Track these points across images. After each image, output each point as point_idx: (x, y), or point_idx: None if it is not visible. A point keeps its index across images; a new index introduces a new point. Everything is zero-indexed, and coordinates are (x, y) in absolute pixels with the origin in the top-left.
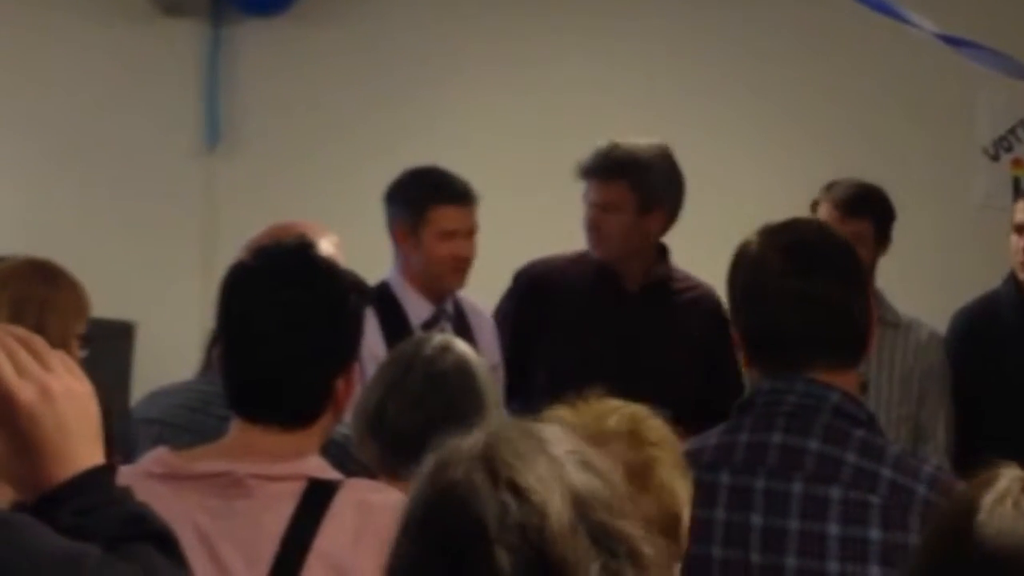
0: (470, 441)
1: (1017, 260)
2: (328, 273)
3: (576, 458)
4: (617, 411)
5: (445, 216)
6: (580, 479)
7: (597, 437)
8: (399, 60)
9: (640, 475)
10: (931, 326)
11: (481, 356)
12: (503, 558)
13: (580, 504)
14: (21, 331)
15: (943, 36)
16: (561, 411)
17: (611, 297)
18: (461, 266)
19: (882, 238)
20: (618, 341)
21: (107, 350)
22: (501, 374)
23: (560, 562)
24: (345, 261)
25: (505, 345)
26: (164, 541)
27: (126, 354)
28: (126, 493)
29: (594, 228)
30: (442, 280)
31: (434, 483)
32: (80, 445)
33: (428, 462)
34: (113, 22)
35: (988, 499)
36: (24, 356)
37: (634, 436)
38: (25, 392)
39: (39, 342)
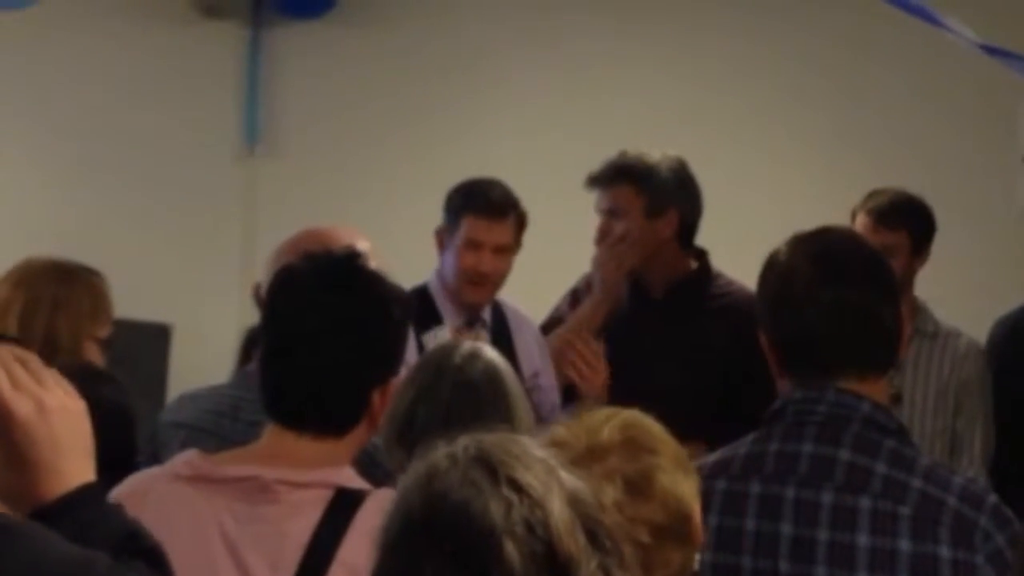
0: (458, 447)
1: None
2: (374, 283)
3: (558, 461)
4: (608, 421)
5: (473, 227)
6: (569, 479)
7: (593, 451)
8: (438, 64)
9: (641, 485)
10: (970, 336)
11: (521, 363)
12: (512, 552)
13: (574, 501)
14: (17, 350)
15: (983, 45)
16: (555, 430)
17: (636, 304)
18: (480, 280)
19: (919, 250)
20: (640, 347)
21: (144, 352)
22: (546, 380)
23: (567, 557)
24: (378, 265)
25: None
26: (155, 558)
27: (163, 356)
28: (118, 510)
29: (604, 235)
30: (460, 291)
31: (430, 488)
32: (73, 461)
33: (413, 472)
34: (153, 24)
35: None
36: (20, 371)
37: (629, 445)
38: (21, 406)
39: (34, 360)
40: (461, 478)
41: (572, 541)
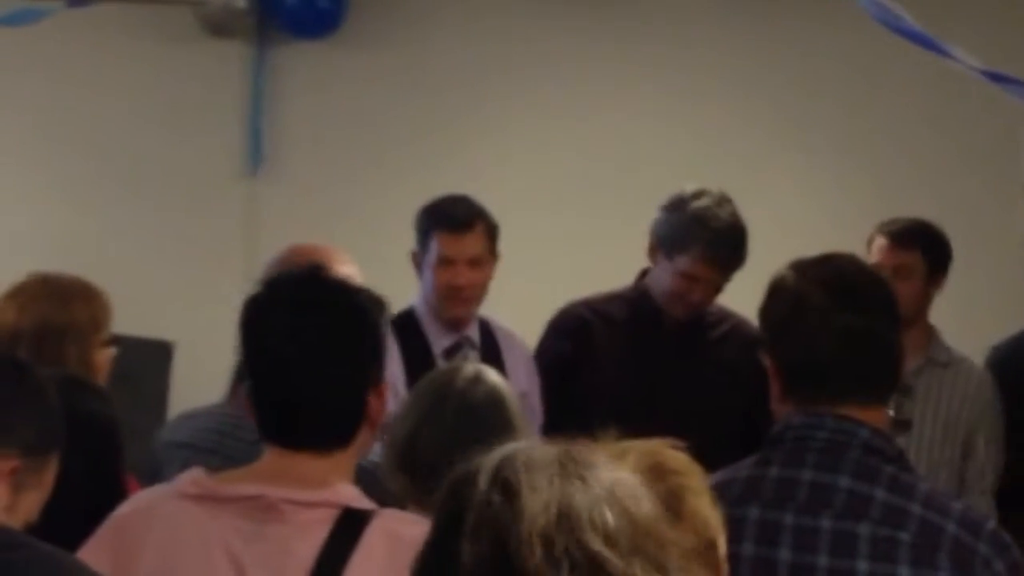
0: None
1: None
2: (343, 293)
3: (603, 489)
4: (634, 449)
5: (443, 244)
6: (584, 500)
7: None
8: (442, 84)
9: (671, 506)
10: (981, 367)
11: (509, 383)
12: (467, 551)
13: (565, 519)
14: None
15: (986, 72)
16: None
17: (651, 335)
18: (459, 294)
19: (933, 274)
20: (659, 378)
21: (145, 370)
22: (533, 402)
23: (520, 566)
24: (366, 284)
25: (546, 385)
26: None
27: (164, 374)
28: None
29: (689, 297)
30: (443, 308)
31: (447, 482)
32: None
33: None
34: (159, 43)
35: None
36: None
37: (657, 469)
38: None
39: None
40: (470, 473)
41: (529, 553)
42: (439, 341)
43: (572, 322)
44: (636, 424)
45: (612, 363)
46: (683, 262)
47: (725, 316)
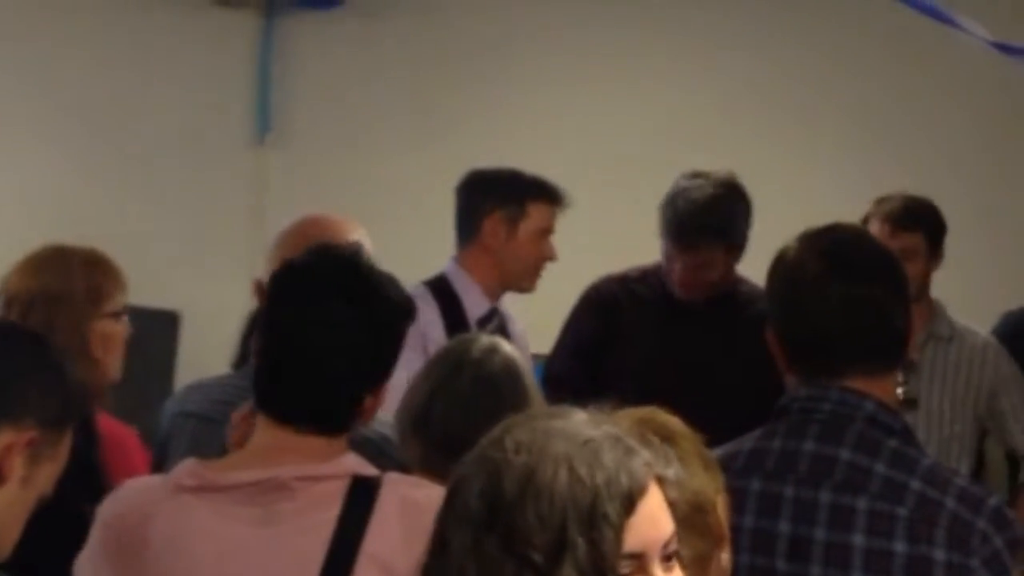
0: None
1: None
2: (378, 290)
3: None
4: (627, 415)
5: (546, 215)
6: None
7: None
8: (449, 54)
9: None
10: (986, 335)
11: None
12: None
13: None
14: None
15: (997, 44)
16: None
17: (677, 314)
18: (543, 268)
19: (935, 251)
20: (688, 357)
21: (152, 339)
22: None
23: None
24: (374, 254)
25: (572, 360)
26: None
27: (171, 343)
28: None
29: (689, 283)
30: (524, 278)
31: None
32: None
33: None
34: (168, 12)
35: None
36: None
37: (643, 438)
38: None
39: None
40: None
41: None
42: (475, 309)
43: (603, 299)
44: (665, 402)
45: (641, 342)
46: (665, 247)
47: (757, 296)
